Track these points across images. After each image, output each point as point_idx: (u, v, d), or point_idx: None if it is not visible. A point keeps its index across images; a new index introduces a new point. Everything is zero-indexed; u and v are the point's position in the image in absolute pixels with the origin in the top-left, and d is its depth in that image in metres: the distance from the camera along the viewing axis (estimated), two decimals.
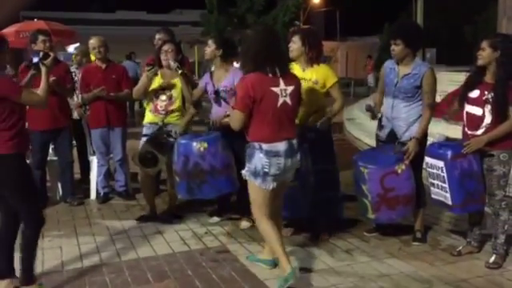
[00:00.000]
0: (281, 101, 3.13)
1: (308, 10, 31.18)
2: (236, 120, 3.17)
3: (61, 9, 32.17)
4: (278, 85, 3.13)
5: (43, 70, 3.32)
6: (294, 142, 3.21)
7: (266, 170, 3.10)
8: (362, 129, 9.18)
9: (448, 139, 3.71)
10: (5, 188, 3.08)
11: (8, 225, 3.22)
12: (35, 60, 3.38)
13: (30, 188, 3.20)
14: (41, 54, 3.39)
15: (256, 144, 3.14)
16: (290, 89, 3.18)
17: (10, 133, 3.03)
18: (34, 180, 3.38)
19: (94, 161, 5.29)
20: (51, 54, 3.42)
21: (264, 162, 3.10)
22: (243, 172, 3.25)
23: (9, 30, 9.97)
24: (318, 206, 3.97)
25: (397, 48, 3.79)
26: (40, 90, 3.23)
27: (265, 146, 3.11)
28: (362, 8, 35.43)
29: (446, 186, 3.42)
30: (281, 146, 3.13)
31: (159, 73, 4.50)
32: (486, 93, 3.41)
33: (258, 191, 3.19)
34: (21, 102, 3.10)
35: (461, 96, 3.56)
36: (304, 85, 3.93)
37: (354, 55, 28.63)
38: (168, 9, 38.52)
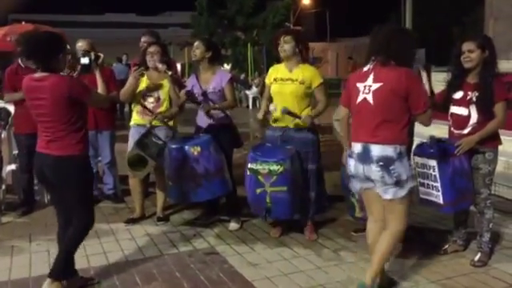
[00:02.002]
0: (361, 98, 2.92)
1: (298, 12, 31.29)
2: (340, 114, 3.16)
3: (50, 11, 32.01)
4: (364, 80, 2.92)
5: (97, 70, 3.37)
6: (373, 148, 2.85)
7: (349, 168, 3.05)
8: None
9: (435, 139, 3.73)
10: (70, 188, 3.10)
11: (65, 228, 3.23)
12: (84, 61, 3.37)
13: (90, 189, 3.33)
14: (92, 55, 3.40)
15: None
16: (376, 86, 2.85)
17: (79, 134, 3.08)
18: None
19: None
20: (101, 55, 3.48)
21: (348, 160, 3.06)
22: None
23: None
24: (304, 205, 3.99)
25: None
26: (100, 90, 3.32)
27: (351, 144, 3.03)
28: (352, 9, 35.60)
29: (438, 184, 3.40)
30: (355, 148, 2.96)
31: (145, 74, 4.50)
32: (470, 93, 3.45)
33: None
34: (88, 103, 3.16)
35: (445, 98, 3.59)
36: (290, 85, 3.97)
37: (344, 56, 28.76)
38: (157, 11, 38.47)
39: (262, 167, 3.78)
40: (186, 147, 4.00)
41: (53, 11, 32.12)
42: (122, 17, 35.23)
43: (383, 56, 2.88)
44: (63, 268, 3.16)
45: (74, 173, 3.08)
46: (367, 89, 2.88)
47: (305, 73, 3.99)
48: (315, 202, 4.08)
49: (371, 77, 2.89)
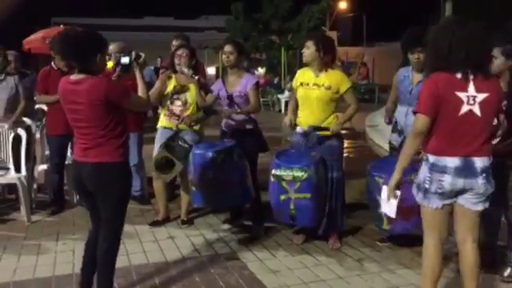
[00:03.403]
0: (465, 109, 2.60)
1: (334, 16, 31.05)
2: (418, 126, 2.66)
3: (90, 15, 32.90)
4: (465, 90, 2.61)
5: (137, 70, 3.13)
6: (478, 160, 2.64)
7: (427, 185, 2.69)
8: (383, 135, 9.03)
9: None
10: (107, 196, 2.91)
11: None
12: (125, 61, 3.16)
13: (127, 200, 3.10)
14: (133, 54, 3.17)
15: (425, 154, 2.75)
16: (482, 97, 2.61)
17: (119, 140, 2.88)
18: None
19: None
20: (142, 54, 3.22)
21: (426, 176, 2.69)
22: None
23: (36, 36, 10.24)
24: (329, 213, 3.92)
25: (422, 56, 3.72)
26: (141, 93, 3.05)
27: (431, 158, 2.68)
28: (390, 12, 35.06)
29: None
30: (450, 162, 2.63)
31: (174, 77, 4.53)
32: None
33: (421, 208, 2.80)
34: (128, 107, 2.93)
35: None
36: (316, 91, 3.91)
37: (381, 60, 28.33)
38: (195, 15, 38.94)
39: (286, 173, 3.72)
40: (210, 153, 3.97)
41: (93, 15, 32.99)
42: (160, 20, 35.80)
43: (484, 62, 2.68)
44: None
45: (114, 180, 2.89)
46: (472, 99, 2.60)
47: (332, 78, 3.92)
48: (341, 212, 4.00)
49: (472, 86, 2.61)
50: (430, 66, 2.74)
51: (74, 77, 2.85)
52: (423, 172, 2.73)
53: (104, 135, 2.83)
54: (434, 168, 2.67)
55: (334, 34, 29.26)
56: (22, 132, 4.93)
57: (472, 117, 2.62)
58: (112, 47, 5.22)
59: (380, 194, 3.65)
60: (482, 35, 2.66)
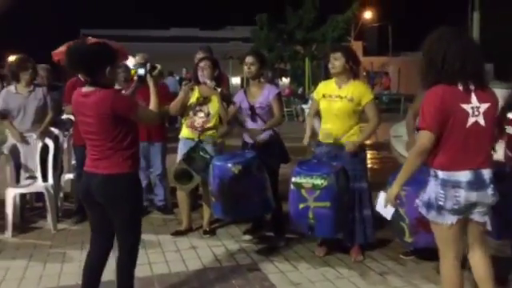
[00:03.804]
0: (471, 121, 2.56)
1: (359, 26, 30.91)
2: (424, 143, 2.56)
3: (118, 27, 33.57)
4: (469, 101, 2.57)
5: (151, 82, 3.12)
6: (485, 172, 2.61)
7: (441, 202, 2.60)
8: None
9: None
10: (118, 208, 2.89)
11: (100, 254, 3.04)
12: (141, 72, 3.17)
13: (139, 209, 3.09)
14: (148, 65, 3.18)
15: (432, 171, 2.65)
16: (485, 107, 2.59)
17: (129, 152, 2.86)
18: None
19: None
20: (158, 66, 3.22)
21: (439, 193, 2.60)
22: (416, 201, 2.83)
23: (64, 48, 10.47)
24: (351, 225, 3.88)
25: None
26: (152, 106, 3.03)
27: (441, 174, 2.60)
28: (415, 22, 34.73)
29: None
30: (462, 176, 2.57)
31: (197, 88, 4.57)
32: None
33: (434, 226, 2.71)
34: (135, 120, 2.90)
35: (499, 118, 3.38)
36: (338, 102, 3.90)
37: (406, 70, 28.06)
38: (220, 26, 39.29)
39: (306, 181, 3.70)
40: (229, 165, 3.96)
41: (121, 26, 33.64)
42: (186, 31, 36.21)
43: (480, 73, 2.64)
44: None
45: (123, 192, 2.87)
46: (476, 110, 2.57)
47: (354, 90, 3.90)
48: (370, 224, 3.95)
49: (474, 97, 2.57)
50: (428, 78, 2.65)
51: (85, 89, 2.86)
52: (433, 189, 2.63)
53: (112, 147, 2.82)
54: (446, 184, 2.59)
55: (359, 44, 29.14)
56: (49, 142, 5.05)
57: (478, 128, 2.58)
58: (137, 58, 5.34)
59: (402, 206, 3.62)
60: (476, 46, 2.67)
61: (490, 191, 2.63)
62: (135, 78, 3.28)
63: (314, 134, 4.07)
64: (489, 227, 3.24)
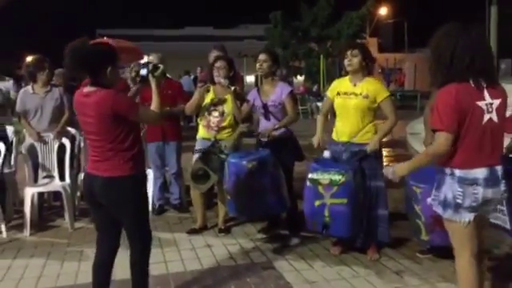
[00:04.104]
0: (486, 118, 2.55)
1: (375, 22, 30.69)
2: (441, 145, 2.53)
3: (134, 26, 33.82)
4: (483, 98, 2.55)
5: (153, 83, 3.05)
6: (498, 168, 2.61)
7: (459, 200, 2.57)
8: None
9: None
10: (122, 210, 2.88)
11: (109, 253, 3.02)
12: (143, 72, 3.11)
13: (145, 210, 3.02)
14: (150, 65, 3.12)
15: (447, 169, 2.61)
16: (497, 103, 2.58)
17: (130, 153, 2.81)
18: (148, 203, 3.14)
19: (151, 174, 5.46)
20: (161, 66, 3.16)
21: (456, 191, 2.58)
22: (428, 200, 2.81)
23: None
24: (367, 224, 3.85)
25: None
26: (154, 106, 2.97)
27: (458, 172, 2.57)
28: (431, 18, 34.35)
29: (504, 208, 3.20)
30: (479, 173, 2.56)
31: (211, 89, 4.58)
32: None
33: (449, 225, 2.69)
34: (136, 120, 2.89)
35: None
36: (354, 100, 3.87)
37: (422, 67, 27.78)
38: (234, 24, 39.37)
39: (323, 177, 3.68)
40: (244, 162, 3.97)
41: (136, 26, 33.91)
42: (200, 30, 36.35)
43: (490, 69, 2.64)
44: None
45: (124, 195, 2.83)
46: (490, 107, 2.56)
47: (369, 87, 3.86)
48: (386, 222, 3.91)
49: (486, 93, 2.56)
50: (437, 76, 2.62)
51: (86, 89, 2.84)
52: (451, 187, 2.60)
53: (112, 148, 2.78)
54: (464, 182, 2.57)
55: (374, 41, 28.91)
56: (66, 141, 5.10)
57: (492, 125, 2.57)
58: (151, 58, 5.37)
59: (418, 204, 3.59)
60: (485, 42, 2.63)
61: (502, 187, 2.62)
62: (138, 78, 3.24)
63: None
64: (507, 225, 3.22)
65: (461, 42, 2.53)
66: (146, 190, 3.05)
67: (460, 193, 2.57)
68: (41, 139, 5.09)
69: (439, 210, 2.69)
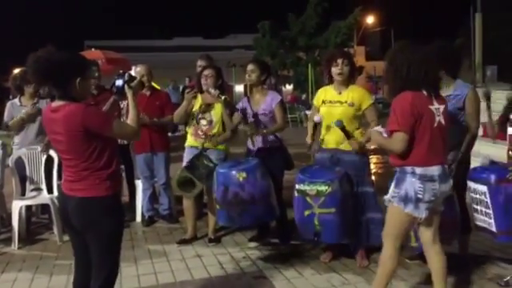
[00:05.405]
0: (437, 120, 2.88)
1: (362, 31, 30.96)
2: (398, 143, 2.82)
3: (122, 37, 33.80)
4: (432, 103, 2.89)
5: (129, 94, 2.83)
6: (446, 166, 2.98)
7: (420, 195, 2.83)
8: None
9: (493, 162, 3.53)
10: (94, 233, 2.60)
11: (83, 279, 2.76)
12: (119, 83, 2.89)
13: (118, 238, 2.72)
14: (126, 76, 2.89)
15: (408, 168, 2.86)
16: (442, 108, 2.94)
17: (106, 172, 2.58)
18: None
19: (139, 185, 5.45)
20: (137, 77, 2.99)
21: (417, 187, 2.83)
22: (386, 198, 2.99)
23: None
24: (356, 230, 3.87)
25: None
26: (130, 120, 2.73)
27: (418, 170, 2.84)
28: (418, 26, 34.81)
29: (490, 212, 3.25)
30: (436, 171, 2.86)
31: (199, 97, 4.60)
32: None
33: (402, 219, 2.92)
34: (111, 135, 2.62)
35: (502, 118, 3.40)
36: (339, 108, 3.91)
37: None
38: (223, 34, 39.53)
39: (310, 188, 3.71)
40: (233, 172, 3.98)
41: (125, 37, 33.89)
42: (189, 40, 36.43)
43: (438, 80, 3.00)
44: None
45: (99, 217, 2.58)
46: (438, 111, 2.91)
47: (354, 94, 3.91)
48: (376, 226, 3.92)
49: (434, 100, 2.91)
50: (395, 86, 2.92)
51: (54, 104, 2.58)
52: (412, 184, 2.84)
53: (87, 168, 2.55)
54: (424, 178, 2.84)
55: (361, 49, 29.15)
56: (54, 154, 5.08)
57: (441, 126, 2.91)
58: (139, 69, 5.37)
59: None
60: (435, 58, 3.02)
61: (450, 182, 2.96)
62: (113, 89, 3.03)
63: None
64: (493, 228, 3.26)
65: (416, 57, 2.86)
66: (122, 213, 2.83)
67: (421, 189, 2.84)
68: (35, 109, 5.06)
69: (401, 205, 2.88)
